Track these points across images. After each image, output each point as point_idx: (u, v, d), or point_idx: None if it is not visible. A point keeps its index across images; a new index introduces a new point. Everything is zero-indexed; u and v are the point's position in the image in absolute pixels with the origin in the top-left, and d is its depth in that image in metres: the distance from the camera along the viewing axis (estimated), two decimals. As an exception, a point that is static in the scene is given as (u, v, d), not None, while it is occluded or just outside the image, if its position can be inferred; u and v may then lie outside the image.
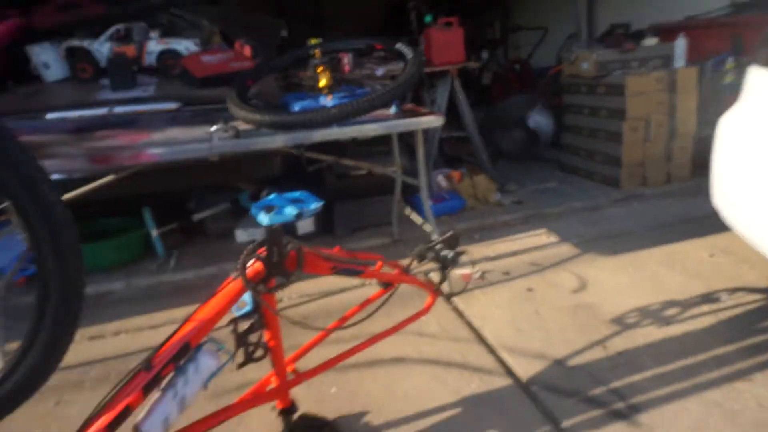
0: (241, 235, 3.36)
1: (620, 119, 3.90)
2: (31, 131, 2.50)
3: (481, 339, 2.27)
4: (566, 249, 3.12)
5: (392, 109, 2.47)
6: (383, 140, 2.99)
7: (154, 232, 3.13)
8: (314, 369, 1.63)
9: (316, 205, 1.38)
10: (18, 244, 2.79)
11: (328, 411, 1.85)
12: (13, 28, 3.13)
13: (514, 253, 3.10)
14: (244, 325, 1.34)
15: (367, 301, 1.87)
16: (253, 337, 1.36)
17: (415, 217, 3.19)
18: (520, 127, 4.95)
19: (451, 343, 2.25)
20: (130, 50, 3.16)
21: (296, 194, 1.42)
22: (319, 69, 2.56)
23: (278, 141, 2.12)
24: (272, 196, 1.41)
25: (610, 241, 3.22)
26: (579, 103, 4.34)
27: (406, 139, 3.14)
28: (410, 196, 3.38)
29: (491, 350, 2.20)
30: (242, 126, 2.29)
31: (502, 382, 2.00)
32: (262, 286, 1.31)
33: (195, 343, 1.24)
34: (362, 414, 1.86)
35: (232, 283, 1.30)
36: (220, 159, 2.15)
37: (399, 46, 2.55)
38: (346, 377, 2.03)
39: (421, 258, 1.72)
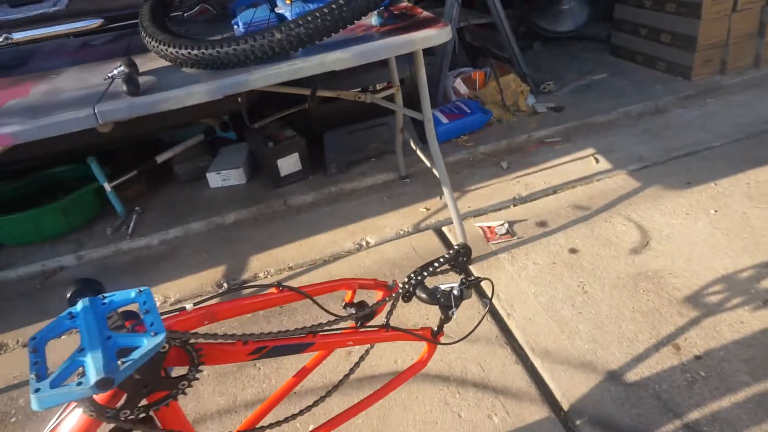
0: (214, 179, 2.75)
1: (700, -16, 2.89)
2: None
3: (507, 338, 1.72)
4: (621, 181, 2.40)
5: (375, 19, 1.67)
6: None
7: (107, 186, 2.56)
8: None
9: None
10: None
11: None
12: None
13: (554, 191, 2.41)
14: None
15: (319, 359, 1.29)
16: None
17: (424, 153, 2.47)
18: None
19: (467, 345, 1.71)
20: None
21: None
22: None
23: (196, 96, 1.40)
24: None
25: (678, 164, 2.47)
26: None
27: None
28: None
29: (521, 357, 1.65)
30: (154, 64, 1.58)
31: (535, 413, 1.48)
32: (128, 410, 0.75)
33: None
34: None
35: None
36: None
37: None
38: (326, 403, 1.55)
39: (408, 298, 1.10)
